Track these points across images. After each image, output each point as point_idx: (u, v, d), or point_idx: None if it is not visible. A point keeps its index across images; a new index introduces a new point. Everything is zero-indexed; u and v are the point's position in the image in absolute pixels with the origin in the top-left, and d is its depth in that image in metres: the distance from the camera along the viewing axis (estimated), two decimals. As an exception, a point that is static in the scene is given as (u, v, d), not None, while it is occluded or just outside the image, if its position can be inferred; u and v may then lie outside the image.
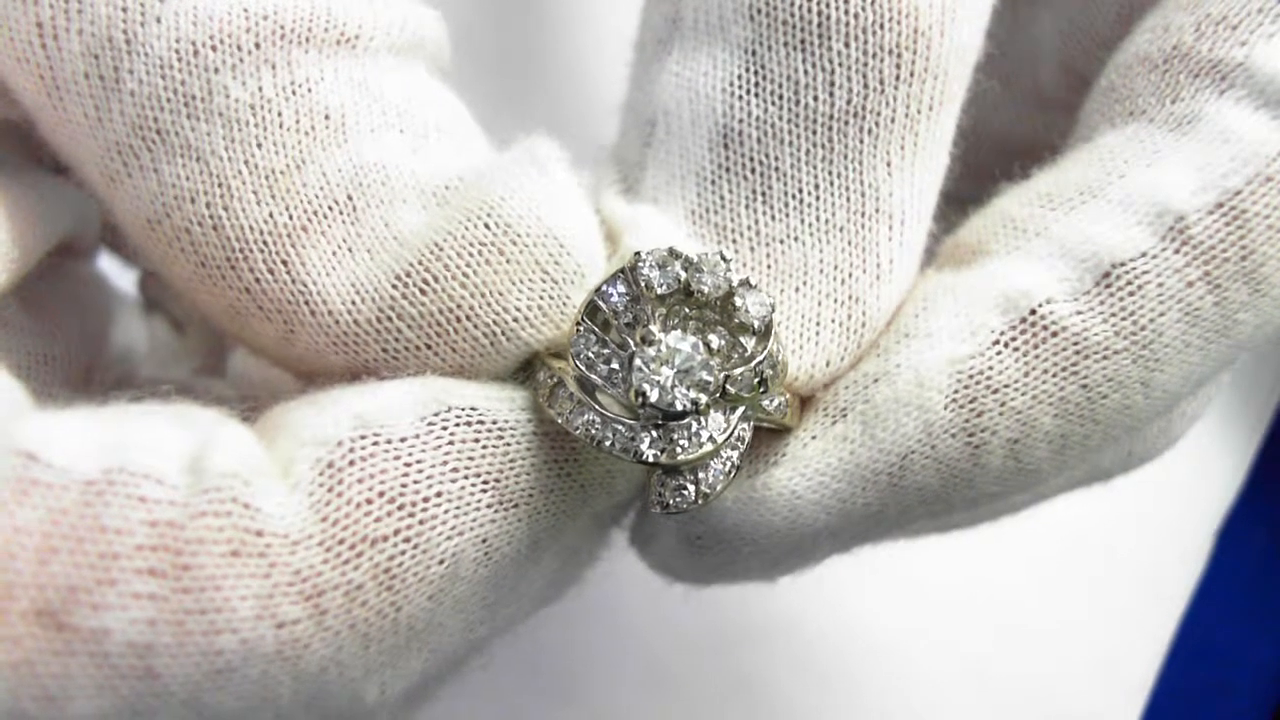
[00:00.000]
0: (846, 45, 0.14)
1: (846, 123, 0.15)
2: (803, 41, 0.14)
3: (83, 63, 0.13)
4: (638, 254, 0.14)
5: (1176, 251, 0.14)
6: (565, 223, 0.14)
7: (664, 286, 0.14)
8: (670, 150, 0.15)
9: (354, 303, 0.14)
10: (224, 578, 0.12)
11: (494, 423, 0.14)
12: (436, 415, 0.13)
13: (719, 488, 0.14)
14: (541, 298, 0.14)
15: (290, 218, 0.14)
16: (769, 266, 0.15)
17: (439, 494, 0.13)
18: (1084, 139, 0.17)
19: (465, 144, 0.15)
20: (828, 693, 0.27)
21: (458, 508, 0.13)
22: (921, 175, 0.15)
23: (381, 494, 0.13)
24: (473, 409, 0.14)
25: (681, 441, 0.14)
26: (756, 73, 0.15)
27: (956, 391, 0.14)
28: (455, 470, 0.13)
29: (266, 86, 0.14)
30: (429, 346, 0.14)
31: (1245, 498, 0.31)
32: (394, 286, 0.14)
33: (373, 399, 0.13)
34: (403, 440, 0.13)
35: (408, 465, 0.13)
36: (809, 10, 0.14)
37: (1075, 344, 0.14)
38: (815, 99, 0.15)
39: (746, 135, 0.15)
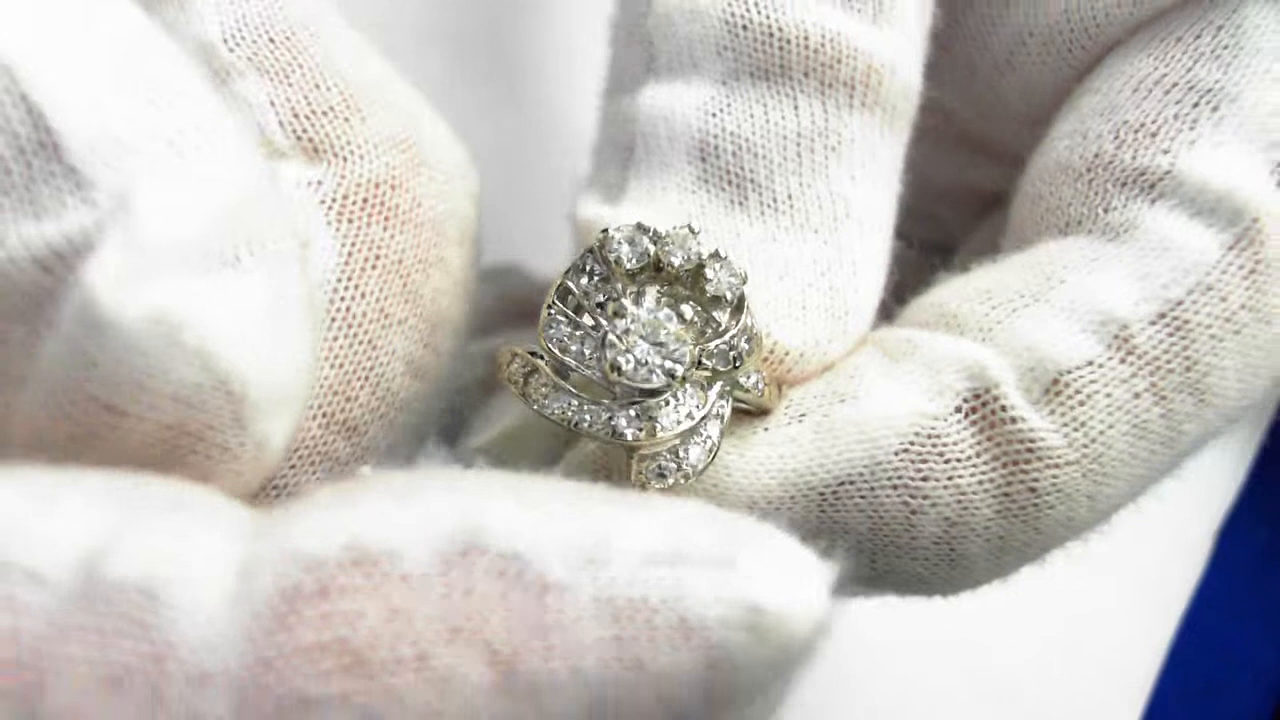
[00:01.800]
0: (805, 75, 0.15)
1: (813, 139, 0.15)
2: (767, 72, 0.15)
3: None
4: (605, 231, 0.14)
5: (1122, 361, 0.14)
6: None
7: (633, 261, 0.14)
8: (650, 164, 0.16)
9: None
10: (88, 717, 0.09)
11: (537, 578, 0.10)
12: (463, 555, 0.10)
13: (700, 466, 0.14)
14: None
15: None
16: (750, 262, 0.15)
17: (420, 657, 0.10)
18: (1018, 247, 0.17)
19: None
20: (827, 692, 0.27)
21: (438, 680, 0.10)
22: (881, 191, 0.16)
23: (342, 642, 0.10)
24: (515, 554, 0.10)
25: (660, 419, 0.14)
26: (728, 96, 0.16)
27: (911, 444, 0.14)
28: (455, 632, 0.10)
29: None
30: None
31: (1245, 498, 0.31)
32: None
33: (384, 518, 0.10)
34: (403, 578, 0.10)
35: (394, 611, 0.10)
36: (771, 48, 0.15)
37: (1028, 443, 0.14)
38: (783, 118, 0.15)
39: (722, 149, 0.16)
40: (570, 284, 0.14)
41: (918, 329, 0.16)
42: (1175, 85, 0.16)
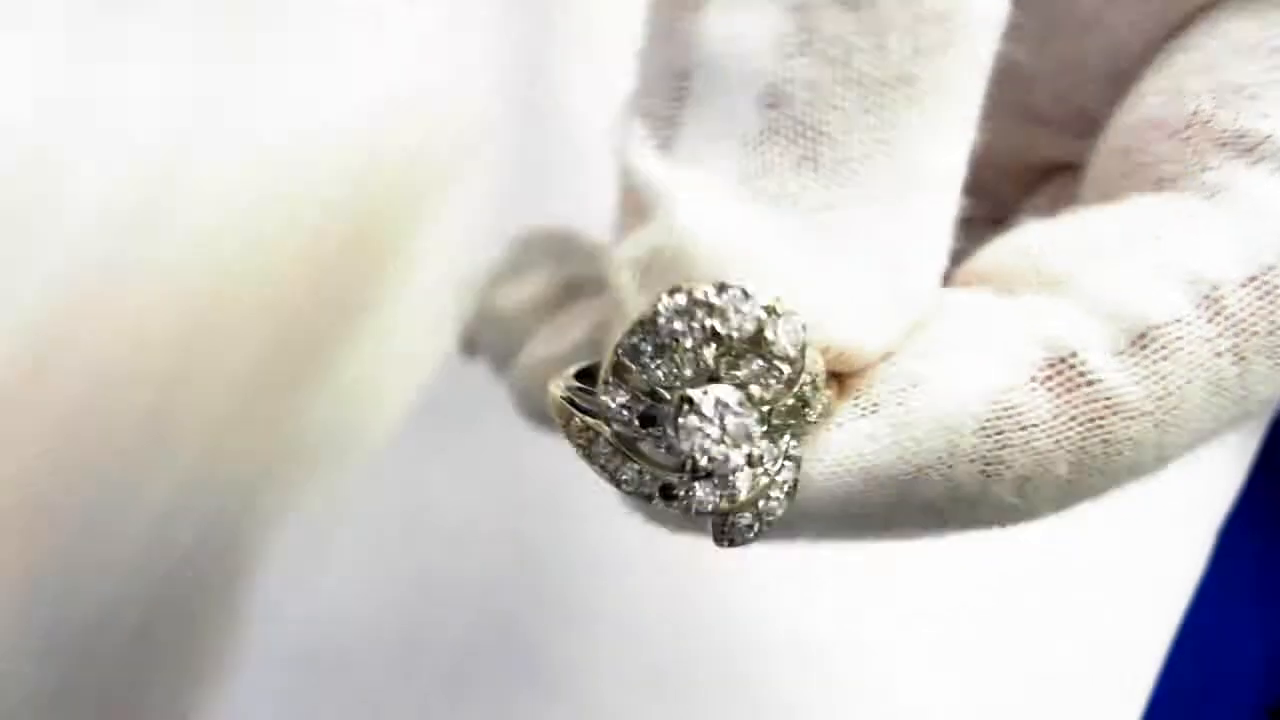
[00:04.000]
0: (898, 7, 0.14)
1: (895, 89, 0.14)
2: (856, 2, 0.14)
3: None
4: (656, 304, 0.13)
5: (1209, 321, 0.14)
6: None
7: (690, 339, 0.13)
8: (711, 107, 0.14)
9: None
10: None
11: None
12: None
13: (779, 512, 0.14)
14: None
15: None
16: (816, 235, 0.14)
17: None
18: (1106, 196, 0.17)
19: None
20: (826, 691, 0.27)
21: None
22: (956, 151, 0.15)
23: None
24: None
25: (738, 485, 0.13)
26: (806, 31, 0.14)
27: (988, 421, 0.14)
28: None
29: None
30: None
31: (1245, 497, 0.31)
32: None
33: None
34: None
35: None
36: None
37: (1107, 399, 0.14)
38: (865, 62, 0.14)
39: (795, 97, 0.14)
40: (625, 360, 0.13)
41: (993, 286, 0.16)
42: (1277, 50, 0.16)
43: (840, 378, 0.15)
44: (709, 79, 0.15)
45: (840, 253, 0.14)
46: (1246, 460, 0.32)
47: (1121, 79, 0.18)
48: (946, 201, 0.15)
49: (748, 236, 0.14)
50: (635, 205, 0.15)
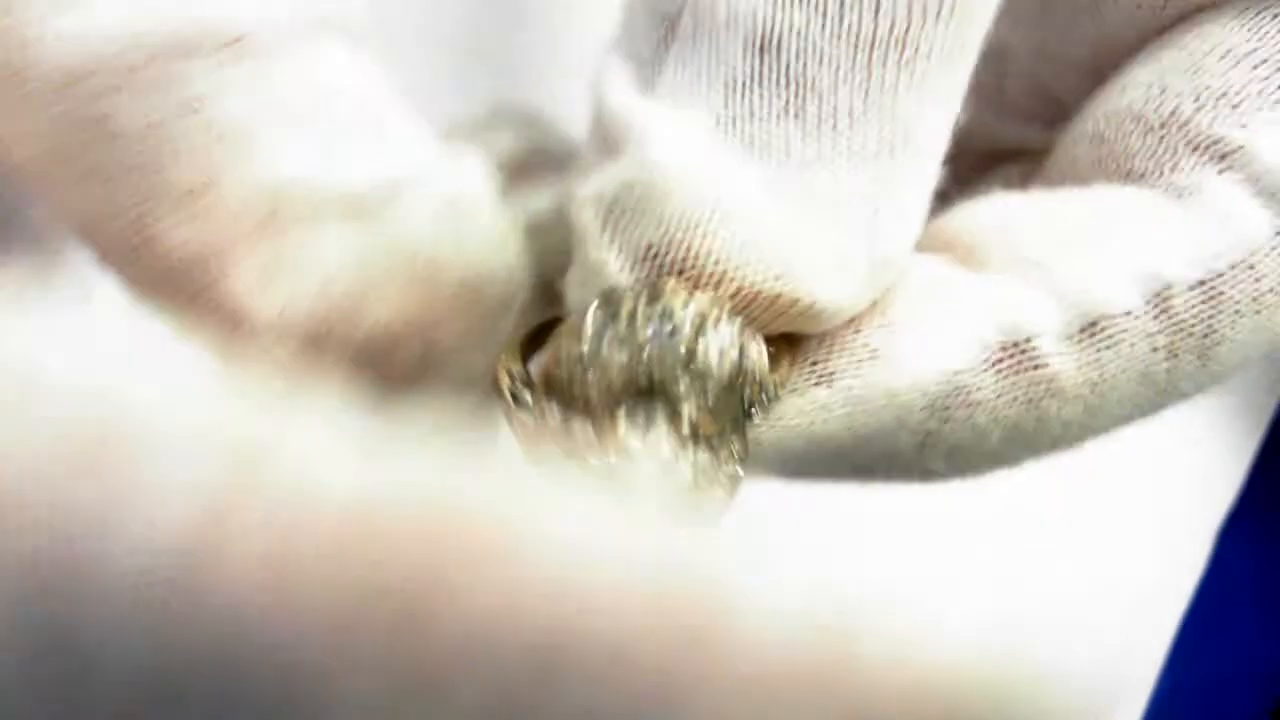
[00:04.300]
0: None
1: (887, 50, 0.14)
2: None
3: None
4: (585, 318, 0.13)
5: (1154, 318, 0.15)
6: (488, 255, 0.14)
7: (618, 356, 0.13)
8: (698, 49, 0.14)
9: (284, 325, 0.13)
10: None
11: None
12: None
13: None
14: (469, 330, 0.14)
15: (210, 239, 0.13)
16: (795, 186, 0.14)
17: None
18: (1072, 178, 0.17)
19: (390, 136, 0.14)
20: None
21: None
22: (943, 120, 0.15)
23: None
24: None
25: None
26: None
27: (938, 399, 0.15)
28: None
29: (159, 107, 0.13)
30: (364, 368, 0.14)
31: (1245, 498, 0.31)
32: (323, 309, 0.13)
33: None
34: None
35: None
36: None
37: (1048, 382, 0.15)
38: (860, 20, 0.14)
39: (786, 46, 0.14)
40: (556, 372, 0.13)
41: (959, 255, 0.16)
42: (1265, 62, 0.16)
43: (794, 341, 0.15)
44: (698, 20, 0.14)
45: (818, 207, 0.14)
46: (1246, 460, 0.32)
47: (1101, 73, 0.18)
48: (929, 169, 0.15)
49: (724, 180, 0.14)
50: (605, 140, 0.15)
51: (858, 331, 0.15)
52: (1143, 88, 0.17)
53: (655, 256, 0.14)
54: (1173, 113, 0.16)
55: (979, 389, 0.15)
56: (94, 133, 0.13)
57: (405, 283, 0.14)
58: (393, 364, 0.14)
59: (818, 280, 0.14)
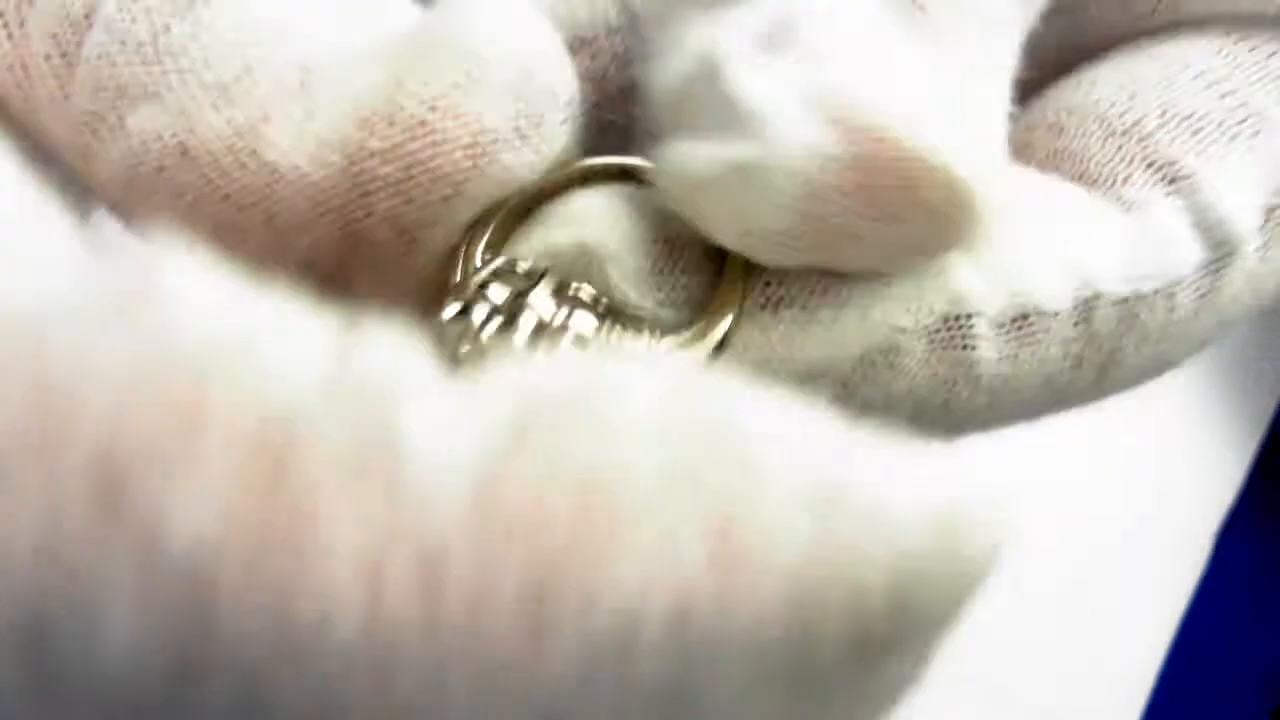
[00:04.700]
0: None
1: None
2: None
3: (45, 45, 0.14)
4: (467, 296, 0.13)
5: (1075, 324, 0.15)
6: (531, 43, 0.14)
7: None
8: None
9: (322, 157, 0.13)
10: None
11: None
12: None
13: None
14: (516, 117, 0.14)
15: (248, 115, 0.14)
16: (932, 55, 0.14)
17: None
18: (1028, 162, 0.17)
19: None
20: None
21: None
22: (1014, 56, 0.15)
23: None
24: None
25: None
26: None
27: (869, 357, 0.15)
28: None
29: (201, 14, 0.14)
30: (408, 178, 0.14)
31: (1245, 498, 0.31)
32: (359, 129, 0.13)
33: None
34: None
35: None
36: None
37: (968, 367, 0.15)
38: None
39: None
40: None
41: None
42: (1232, 93, 0.16)
43: (752, 269, 0.15)
44: None
45: (947, 82, 0.14)
46: (1246, 460, 0.32)
47: (1061, 68, 0.18)
48: (1006, 93, 0.15)
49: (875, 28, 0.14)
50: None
51: (825, 274, 0.15)
52: (1112, 88, 0.17)
53: None
54: (1136, 123, 0.16)
55: (908, 354, 0.15)
56: (147, 55, 0.14)
57: (442, 77, 0.14)
58: (439, 164, 0.14)
59: (953, 147, 0.13)
